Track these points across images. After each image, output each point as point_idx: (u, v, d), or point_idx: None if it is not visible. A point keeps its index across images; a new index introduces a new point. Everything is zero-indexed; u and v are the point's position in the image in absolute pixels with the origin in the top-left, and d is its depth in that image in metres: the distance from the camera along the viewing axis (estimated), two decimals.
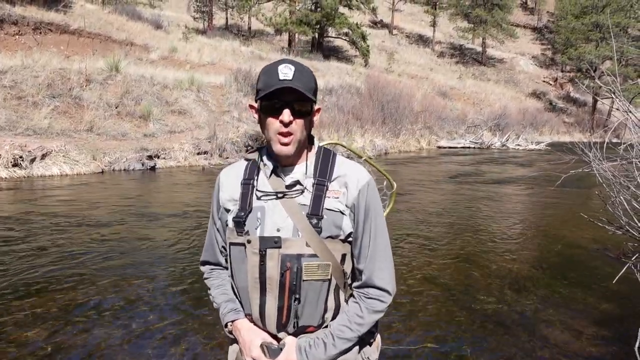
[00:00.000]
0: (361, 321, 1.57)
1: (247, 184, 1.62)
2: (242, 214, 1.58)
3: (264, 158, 1.64)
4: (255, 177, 1.63)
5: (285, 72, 1.49)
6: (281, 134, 1.51)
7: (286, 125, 1.50)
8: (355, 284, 1.64)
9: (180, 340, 3.80)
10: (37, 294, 4.55)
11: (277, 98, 1.49)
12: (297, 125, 1.52)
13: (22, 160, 10.82)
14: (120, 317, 4.15)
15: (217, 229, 1.74)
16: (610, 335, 4.14)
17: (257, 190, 1.60)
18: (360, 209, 1.58)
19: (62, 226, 7.00)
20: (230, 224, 1.61)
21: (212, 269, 1.82)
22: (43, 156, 11.28)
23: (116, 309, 4.31)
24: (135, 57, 21.04)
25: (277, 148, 1.53)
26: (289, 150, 1.53)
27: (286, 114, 1.49)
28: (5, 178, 10.42)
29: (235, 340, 1.68)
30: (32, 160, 11.05)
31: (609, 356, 3.84)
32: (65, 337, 3.77)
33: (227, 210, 1.64)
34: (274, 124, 1.51)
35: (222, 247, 1.74)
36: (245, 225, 1.57)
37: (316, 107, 1.60)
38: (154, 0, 44.18)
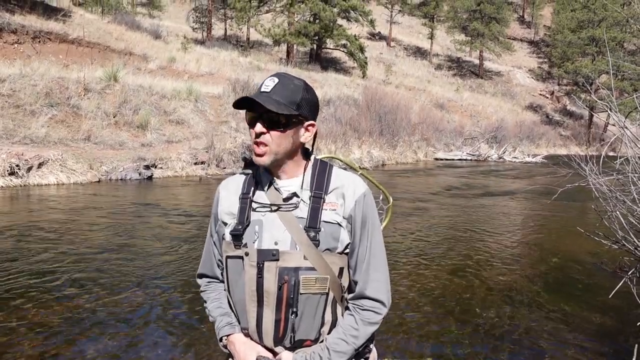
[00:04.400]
0: (356, 333, 1.56)
1: (245, 198, 1.62)
2: (240, 227, 1.58)
3: (261, 171, 1.64)
4: (253, 191, 1.63)
5: (268, 84, 1.52)
6: (256, 143, 1.54)
7: (257, 135, 1.52)
8: (349, 295, 1.63)
9: (175, 354, 3.77)
10: (31, 305, 4.52)
11: (252, 110, 1.53)
12: (272, 136, 1.52)
13: (19, 169, 10.80)
14: (114, 329, 4.12)
15: (214, 242, 1.74)
16: (606, 350, 4.12)
17: (254, 202, 1.61)
18: (356, 219, 1.58)
19: (57, 236, 6.97)
20: (228, 237, 1.60)
21: (208, 282, 1.81)
22: (40, 165, 11.26)
23: (110, 321, 4.28)
24: (133, 66, 21.10)
25: (254, 158, 1.57)
26: (263, 160, 1.54)
27: (258, 126, 1.52)
28: (2, 187, 10.39)
29: (230, 355, 1.66)
30: (29, 169, 11.03)
31: None
32: (59, 348, 3.74)
33: (225, 224, 1.64)
34: (252, 134, 1.55)
35: (219, 260, 1.73)
36: (242, 238, 1.56)
37: (307, 123, 1.59)
38: (153, 10, 44.50)
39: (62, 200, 9.73)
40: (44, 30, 20.21)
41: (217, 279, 1.78)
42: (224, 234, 1.63)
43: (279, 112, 1.48)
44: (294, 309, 1.52)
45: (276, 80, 1.52)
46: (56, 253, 6.14)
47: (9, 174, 10.69)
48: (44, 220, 7.88)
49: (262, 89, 1.51)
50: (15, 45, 18.86)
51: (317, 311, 1.55)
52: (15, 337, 3.88)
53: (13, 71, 14.67)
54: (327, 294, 1.55)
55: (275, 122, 1.52)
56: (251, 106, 1.53)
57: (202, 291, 1.82)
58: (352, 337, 1.55)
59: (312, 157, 1.68)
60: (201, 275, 1.84)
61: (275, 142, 1.53)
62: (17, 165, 10.78)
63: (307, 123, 1.59)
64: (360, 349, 1.60)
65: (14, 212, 8.54)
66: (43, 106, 13.79)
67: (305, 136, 1.60)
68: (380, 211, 2.26)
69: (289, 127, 1.54)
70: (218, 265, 1.76)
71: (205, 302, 1.78)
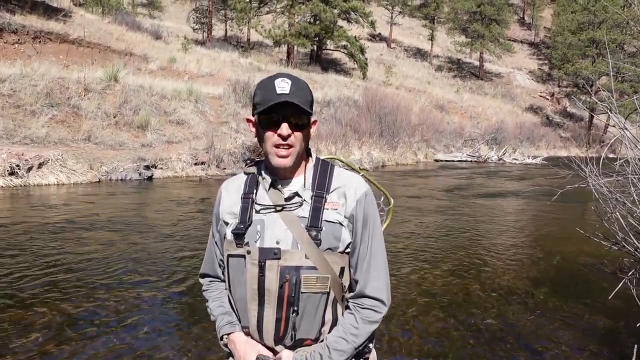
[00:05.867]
0: (356, 332, 1.57)
1: (247, 198, 1.64)
2: (242, 226, 1.59)
3: (263, 172, 1.65)
4: (255, 191, 1.64)
5: (283, 87, 1.51)
6: (279, 146, 1.53)
7: (285, 138, 1.52)
8: (350, 294, 1.64)
9: (176, 353, 3.77)
10: (31, 305, 4.52)
11: (275, 112, 1.52)
12: (295, 138, 1.54)
13: (19, 169, 10.80)
14: (114, 330, 4.12)
15: (216, 242, 1.76)
16: (606, 351, 4.13)
17: (256, 203, 1.62)
18: (358, 219, 1.60)
19: (57, 236, 6.97)
20: (229, 236, 1.62)
21: (210, 282, 1.83)
22: (40, 165, 11.26)
23: (110, 322, 4.28)
24: (134, 67, 21.10)
25: (276, 161, 1.55)
26: (287, 162, 1.55)
27: (284, 128, 1.52)
28: (2, 186, 10.39)
29: (231, 354, 1.68)
30: (29, 169, 11.03)
31: None
32: (60, 348, 3.74)
33: (226, 224, 1.66)
34: (272, 137, 1.54)
35: (221, 260, 1.75)
36: (244, 237, 1.58)
37: (312, 119, 1.63)
38: (153, 11, 44.52)
39: (62, 201, 9.73)
40: (44, 30, 20.22)
41: (219, 278, 1.80)
42: (225, 234, 1.65)
43: (310, 113, 1.54)
44: (295, 308, 1.53)
45: (289, 81, 1.53)
46: (56, 253, 6.14)
47: (9, 174, 10.69)
48: (44, 220, 7.87)
49: (280, 92, 1.51)
50: (16, 45, 18.87)
51: (317, 310, 1.56)
52: (15, 337, 3.88)
53: (13, 71, 14.67)
54: (328, 293, 1.57)
55: (299, 123, 1.55)
56: (272, 109, 1.52)
57: (204, 290, 1.84)
58: (352, 335, 1.57)
59: (314, 157, 1.69)
60: (203, 275, 1.85)
61: (298, 142, 1.55)
62: (17, 165, 10.78)
63: (312, 120, 1.63)
64: (360, 348, 1.61)
65: (14, 212, 8.54)
66: (43, 106, 13.79)
67: (311, 132, 1.64)
68: (381, 212, 2.27)
69: (307, 126, 1.59)
70: (219, 265, 1.77)
71: (207, 301, 1.80)
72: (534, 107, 49.23)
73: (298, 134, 1.54)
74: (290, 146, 1.54)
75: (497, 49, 50.66)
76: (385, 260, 1.66)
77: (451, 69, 53.47)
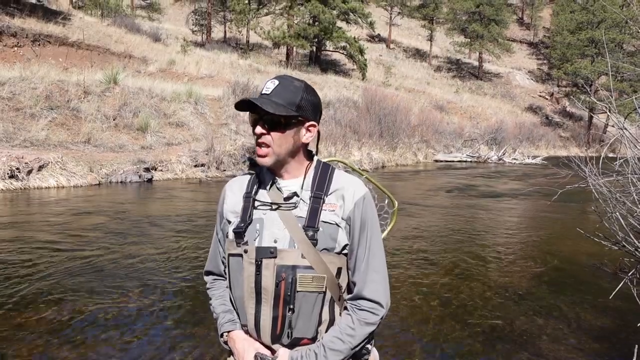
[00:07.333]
0: (352, 332, 1.57)
1: (249, 197, 1.66)
2: (242, 225, 1.61)
3: (264, 171, 1.68)
4: (256, 190, 1.67)
5: (268, 87, 1.57)
6: (258, 145, 1.58)
7: (258, 137, 1.56)
8: (348, 295, 1.65)
9: (177, 352, 3.78)
10: (31, 308, 4.52)
11: (254, 111, 1.57)
12: (273, 138, 1.56)
13: (19, 172, 10.80)
14: (115, 330, 4.12)
15: (219, 240, 1.78)
16: (607, 352, 4.13)
17: (256, 202, 1.65)
18: (355, 221, 1.61)
19: (57, 239, 6.98)
20: (231, 235, 1.64)
21: (214, 280, 1.85)
22: (40, 168, 11.26)
23: (111, 322, 4.28)
24: (133, 69, 21.12)
25: (257, 159, 1.61)
26: (265, 161, 1.59)
27: (258, 127, 1.56)
28: (2, 189, 10.39)
29: (231, 351, 1.70)
30: (29, 172, 11.03)
31: None
32: (60, 351, 3.75)
33: (229, 222, 1.68)
34: (254, 136, 1.59)
35: (224, 257, 1.77)
36: (244, 236, 1.60)
37: (308, 123, 1.62)
38: (152, 13, 44.54)
39: (62, 203, 9.73)
40: (43, 33, 20.25)
41: (223, 276, 1.82)
42: (227, 232, 1.68)
43: (277, 113, 1.52)
44: (291, 306, 1.55)
45: (276, 82, 1.57)
46: (57, 256, 6.14)
47: (9, 177, 10.70)
48: (44, 223, 7.88)
49: (263, 92, 1.56)
50: (15, 48, 18.89)
51: (314, 309, 1.58)
52: (15, 341, 3.88)
53: (13, 74, 14.68)
54: (324, 292, 1.58)
55: (275, 123, 1.56)
56: (252, 108, 1.56)
57: (207, 288, 1.86)
58: (349, 336, 1.57)
59: (315, 159, 1.70)
60: (207, 273, 1.88)
61: (276, 143, 1.57)
62: (17, 168, 10.78)
63: (308, 124, 1.62)
64: (357, 349, 1.61)
65: (15, 215, 8.54)
66: (43, 109, 13.80)
67: (306, 136, 1.64)
68: (386, 215, 2.27)
69: (289, 127, 1.58)
70: (223, 263, 1.79)
71: (210, 298, 1.82)
72: (534, 106, 49.24)
73: (275, 134, 1.56)
74: (267, 145, 1.57)
75: (496, 49, 50.65)
76: (385, 263, 1.66)
77: (450, 69, 53.50)
